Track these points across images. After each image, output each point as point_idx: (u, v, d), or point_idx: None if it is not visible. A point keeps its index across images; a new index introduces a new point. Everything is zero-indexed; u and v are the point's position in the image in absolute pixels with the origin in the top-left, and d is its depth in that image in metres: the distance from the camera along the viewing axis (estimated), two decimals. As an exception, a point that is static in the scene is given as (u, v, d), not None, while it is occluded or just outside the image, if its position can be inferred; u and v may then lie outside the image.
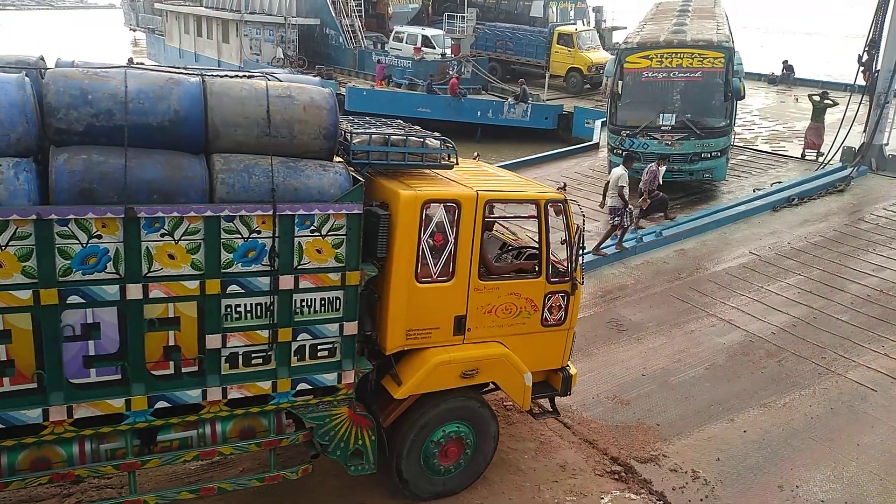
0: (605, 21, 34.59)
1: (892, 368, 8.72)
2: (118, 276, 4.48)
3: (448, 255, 5.50)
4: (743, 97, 15.96)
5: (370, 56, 30.00)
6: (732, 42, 15.33)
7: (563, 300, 6.17)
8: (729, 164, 15.88)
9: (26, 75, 4.53)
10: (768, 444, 7.33)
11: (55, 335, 4.41)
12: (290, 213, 4.78)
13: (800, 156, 17.76)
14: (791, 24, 73.72)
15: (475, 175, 6.20)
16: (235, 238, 4.71)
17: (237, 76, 5.14)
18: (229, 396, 4.99)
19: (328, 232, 4.96)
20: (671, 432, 7.43)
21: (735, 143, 17.50)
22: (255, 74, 5.29)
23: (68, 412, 4.55)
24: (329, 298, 5.12)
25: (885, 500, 6.56)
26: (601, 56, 26.64)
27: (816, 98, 17.53)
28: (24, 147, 4.33)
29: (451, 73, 26.39)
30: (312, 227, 4.91)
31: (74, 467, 4.73)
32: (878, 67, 15.67)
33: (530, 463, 6.74)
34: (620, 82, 15.50)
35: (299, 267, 4.95)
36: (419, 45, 28.75)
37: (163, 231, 4.51)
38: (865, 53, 15.74)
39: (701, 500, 6.48)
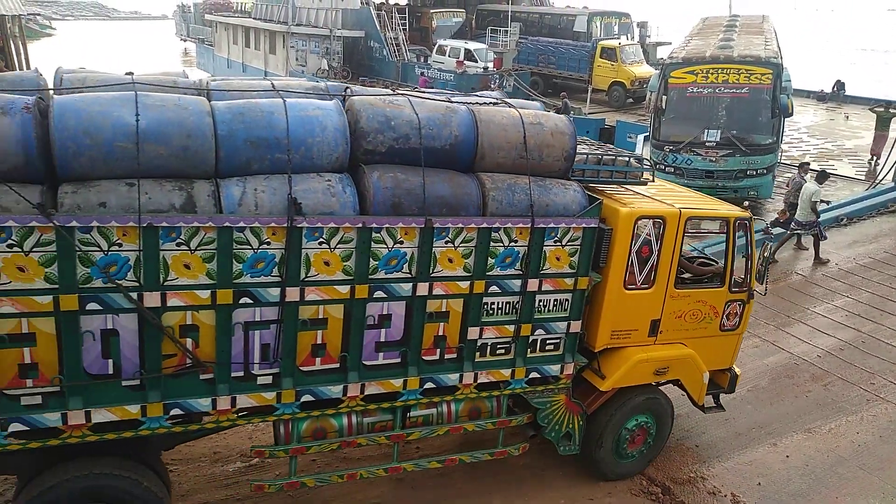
0: (649, 36, 34.32)
1: (946, 396, 8.42)
2: (410, 276, 5.17)
3: (651, 266, 6.11)
4: (791, 114, 15.63)
5: (413, 69, 30.30)
6: (781, 58, 15.05)
7: (740, 308, 6.79)
8: (775, 183, 15.55)
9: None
10: (812, 470, 7.12)
11: (360, 323, 5.10)
12: (542, 225, 5.46)
13: (867, 161, 17.69)
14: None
15: (664, 192, 6.71)
16: (498, 246, 5.40)
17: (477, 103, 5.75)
18: (479, 381, 5.72)
19: (567, 242, 5.64)
20: (711, 454, 7.27)
21: (782, 161, 17.14)
22: (498, 100, 5.96)
23: (361, 389, 5.29)
24: (560, 300, 5.80)
25: (936, 535, 6.31)
26: (645, 70, 26.44)
27: (880, 109, 18.08)
28: (340, 165, 5.00)
29: (492, 86, 26.48)
30: (556, 238, 5.58)
31: (353, 437, 5.52)
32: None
33: (566, 481, 6.70)
34: (665, 97, 15.33)
35: (542, 272, 5.63)
36: (462, 58, 28.93)
37: (447, 239, 5.21)
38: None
39: (740, 525, 6.32)
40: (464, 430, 5.96)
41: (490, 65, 28.45)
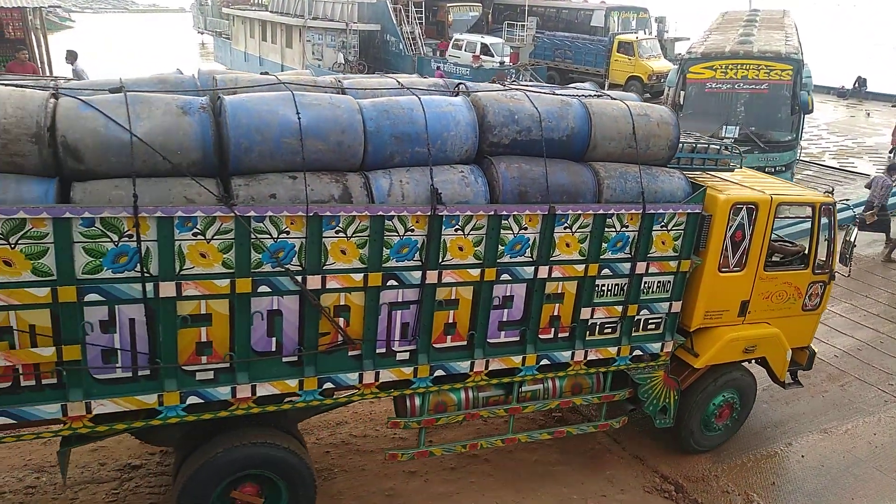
0: (667, 31, 34.11)
1: (965, 399, 8.33)
2: (531, 260, 5.55)
3: (743, 249, 6.44)
4: (811, 111, 15.49)
5: (429, 63, 30.27)
6: (801, 54, 14.87)
7: (821, 289, 7.12)
8: (794, 180, 15.38)
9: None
10: (828, 471, 7.09)
11: (487, 304, 5.52)
12: (652, 211, 5.81)
13: (888, 153, 17.84)
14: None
15: (750, 179, 7.05)
16: (611, 231, 5.75)
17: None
18: (588, 358, 6.09)
19: (672, 227, 6.00)
20: (725, 453, 7.30)
21: (801, 158, 16.96)
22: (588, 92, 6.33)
23: (486, 365, 5.70)
24: (663, 282, 6.17)
25: (954, 538, 6.25)
26: (662, 65, 26.32)
27: None
28: (468, 157, 5.41)
29: (508, 81, 26.35)
30: (663, 223, 5.94)
31: (473, 409, 5.96)
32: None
33: (578, 476, 6.72)
34: (682, 92, 15.27)
35: (649, 256, 5.98)
36: (478, 52, 28.86)
37: (566, 225, 5.58)
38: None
39: (754, 523, 6.30)
40: (572, 405, 6.43)
41: (506, 59, 28.37)
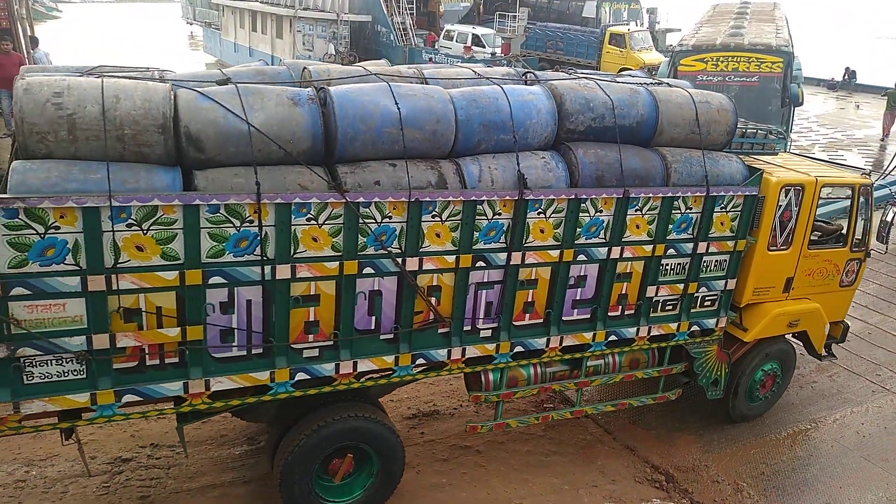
0: (658, 23, 34.16)
1: (951, 389, 8.42)
2: (604, 241, 5.85)
3: (790, 229, 6.85)
4: (801, 103, 15.56)
5: (420, 54, 30.20)
6: (792, 46, 14.92)
7: (857, 266, 7.57)
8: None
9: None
10: (816, 460, 7.17)
11: (564, 283, 5.85)
12: (715, 194, 6.12)
13: (880, 139, 18.65)
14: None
15: (792, 162, 7.44)
16: (676, 213, 6.08)
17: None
18: (651, 334, 6.44)
19: (730, 208, 6.31)
20: (715, 443, 7.37)
21: (791, 151, 17.02)
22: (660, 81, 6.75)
23: (560, 341, 6.03)
24: (720, 261, 6.51)
25: (941, 526, 6.33)
26: (654, 57, 26.42)
27: (892, 89, 19.36)
28: (547, 143, 5.70)
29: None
30: (723, 205, 6.24)
31: (543, 384, 6.30)
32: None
33: (570, 466, 6.74)
34: (674, 85, 15.19)
35: (709, 236, 6.31)
36: (469, 43, 28.85)
37: (637, 207, 5.87)
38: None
39: (743, 513, 6.35)
40: (635, 378, 6.78)
41: (498, 50, 28.40)
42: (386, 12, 31.71)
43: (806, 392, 8.35)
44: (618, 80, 6.42)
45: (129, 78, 4.73)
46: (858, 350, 9.14)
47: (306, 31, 31.79)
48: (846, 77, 27.42)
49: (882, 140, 19.21)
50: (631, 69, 27.50)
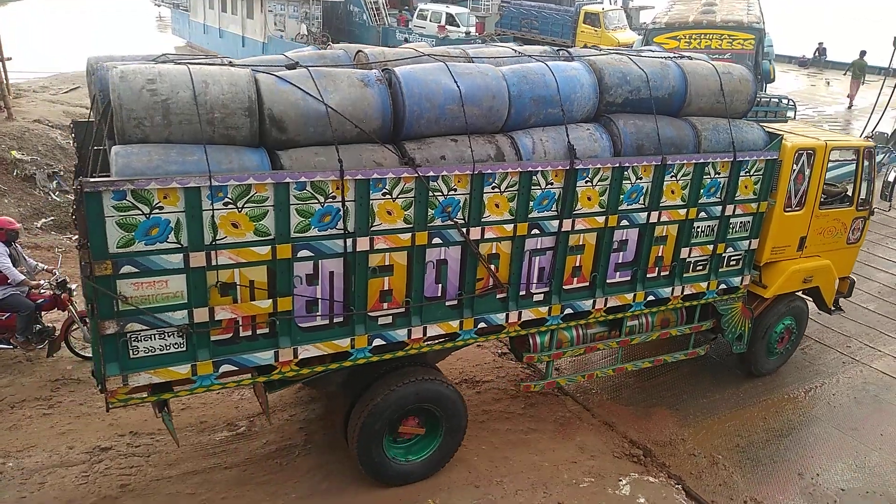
0: (632, 0, 33.97)
1: (918, 359, 8.65)
2: (644, 206, 6.28)
3: (803, 190, 7.34)
4: (773, 80, 15.73)
5: (394, 34, 29.88)
6: (763, 23, 15.04)
7: (862, 224, 8.17)
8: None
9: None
10: (790, 431, 7.35)
11: (608, 248, 6.25)
12: (741, 159, 6.56)
13: (847, 108, 19.64)
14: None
15: (801, 128, 8.00)
16: (706, 178, 6.50)
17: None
18: (685, 293, 6.90)
19: (753, 172, 6.75)
20: (691, 417, 7.52)
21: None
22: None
23: (605, 303, 6.43)
24: (744, 222, 6.99)
25: (907, 491, 6.54)
26: (628, 36, 26.49)
27: (857, 59, 20.71)
28: (588, 115, 6.05)
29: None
30: (747, 170, 6.68)
31: (587, 344, 6.73)
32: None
33: (549, 444, 6.81)
34: (648, 63, 15.24)
35: (736, 199, 6.76)
36: (443, 23, 28.63)
37: (672, 174, 6.28)
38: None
39: (719, 485, 6.52)
40: (669, 336, 7.23)
41: (472, 29, 28.23)
42: (358, -8, 31.25)
43: (779, 365, 8.53)
44: (643, 54, 6.85)
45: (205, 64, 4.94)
46: (829, 323, 9.37)
47: (277, 12, 31.24)
48: (817, 54, 27.72)
49: (849, 108, 19.69)
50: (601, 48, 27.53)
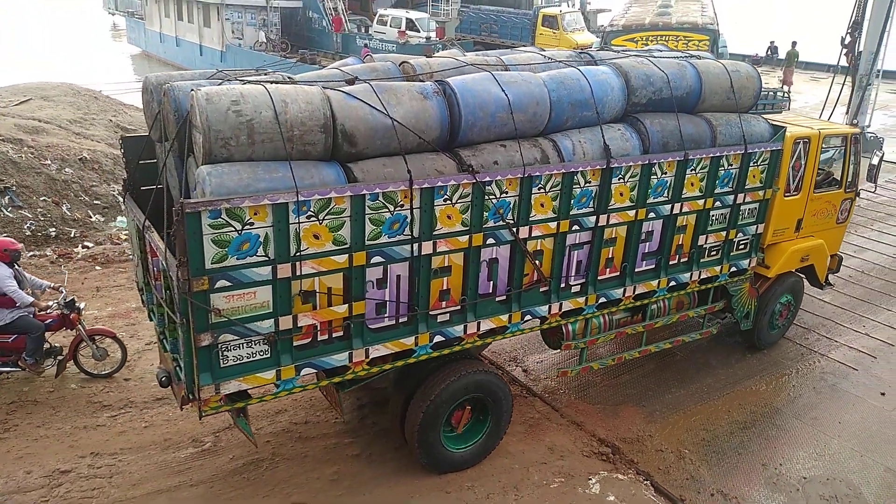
0: (589, 3, 34.57)
1: (872, 348, 9.03)
2: (668, 199, 6.72)
3: (800, 176, 7.94)
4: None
5: (354, 40, 29.78)
6: (717, 24, 15.39)
7: (849, 204, 8.89)
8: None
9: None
10: (753, 423, 7.50)
11: (637, 239, 6.68)
12: (751, 150, 7.08)
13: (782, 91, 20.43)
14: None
15: (794, 118, 8.64)
16: (721, 170, 6.99)
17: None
18: (701, 277, 7.44)
19: (760, 162, 7.30)
20: (657, 414, 7.62)
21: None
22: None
23: (633, 290, 6.90)
24: (752, 209, 7.55)
25: (865, 476, 6.77)
26: (586, 38, 26.90)
27: (790, 49, 22.51)
28: (617, 116, 6.45)
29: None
30: (755, 160, 7.21)
31: (616, 330, 7.18)
32: (861, 49, 15.72)
33: (519, 445, 6.84)
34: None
35: (746, 188, 7.29)
36: (404, 28, 28.68)
37: (692, 168, 6.75)
38: (848, 35, 15.79)
39: (686, 479, 6.61)
40: (687, 318, 7.78)
41: (433, 34, 28.35)
42: (317, -2, 31.07)
43: (739, 357, 8.71)
44: (658, 55, 7.32)
45: (252, 82, 5.14)
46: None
47: (235, 19, 30.92)
48: (769, 52, 28.41)
49: (787, 93, 20.42)
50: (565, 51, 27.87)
